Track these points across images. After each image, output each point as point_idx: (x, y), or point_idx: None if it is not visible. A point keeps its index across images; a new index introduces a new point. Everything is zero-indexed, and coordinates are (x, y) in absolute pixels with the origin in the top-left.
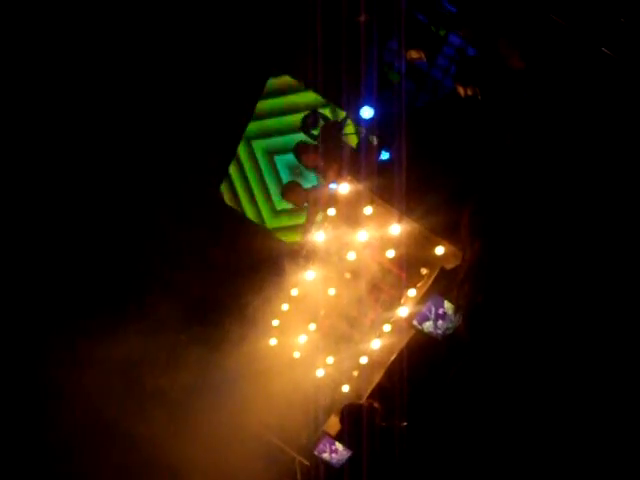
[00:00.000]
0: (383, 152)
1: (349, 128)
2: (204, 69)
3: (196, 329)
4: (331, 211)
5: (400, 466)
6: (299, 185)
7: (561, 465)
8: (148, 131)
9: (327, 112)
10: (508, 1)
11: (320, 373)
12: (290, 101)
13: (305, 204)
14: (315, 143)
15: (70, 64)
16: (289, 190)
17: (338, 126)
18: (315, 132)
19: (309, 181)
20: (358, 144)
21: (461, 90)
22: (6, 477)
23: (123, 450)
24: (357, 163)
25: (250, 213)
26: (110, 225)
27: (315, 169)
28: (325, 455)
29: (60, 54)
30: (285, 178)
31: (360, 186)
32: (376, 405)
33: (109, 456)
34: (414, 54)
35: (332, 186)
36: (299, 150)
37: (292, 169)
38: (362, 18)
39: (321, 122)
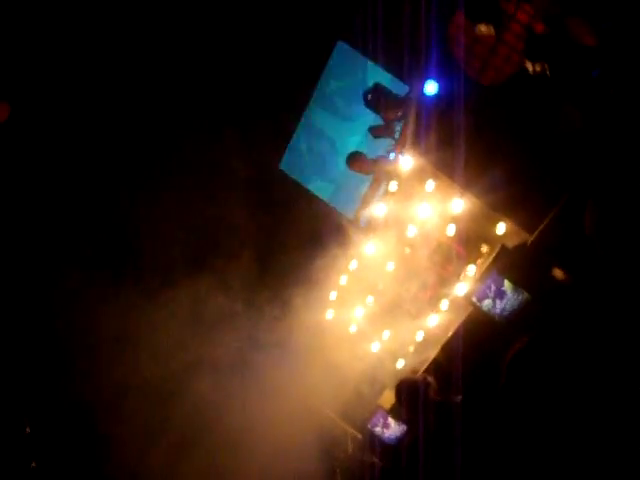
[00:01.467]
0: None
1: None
2: (266, 44)
3: (254, 298)
4: (393, 185)
5: (454, 442)
6: (364, 154)
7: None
8: (209, 106)
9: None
10: None
11: (376, 347)
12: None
13: (371, 173)
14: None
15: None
16: (354, 159)
17: (402, 101)
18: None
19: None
20: (422, 118)
21: (530, 67)
22: (50, 435)
23: (175, 411)
24: (420, 137)
25: (312, 186)
26: (177, 190)
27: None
28: (377, 429)
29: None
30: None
31: (422, 160)
32: (431, 381)
33: (160, 416)
34: (483, 29)
35: (395, 158)
36: (373, 131)
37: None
38: None
39: (384, 96)
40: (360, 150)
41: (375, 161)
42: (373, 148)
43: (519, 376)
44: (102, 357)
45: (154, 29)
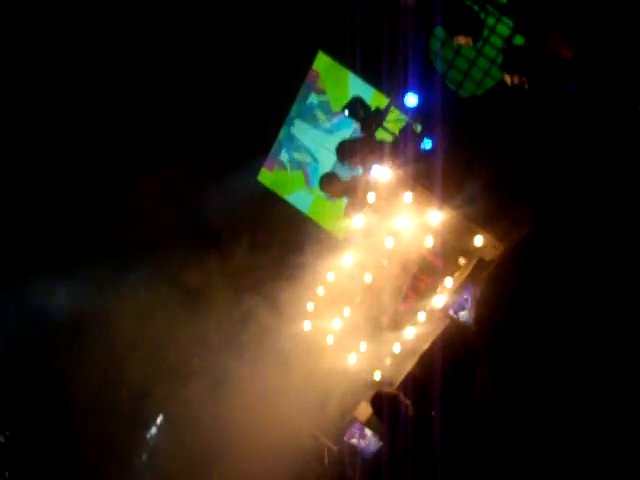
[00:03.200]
0: (426, 140)
1: (392, 115)
2: (247, 52)
3: (231, 311)
4: (371, 197)
5: (429, 455)
6: (336, 176)
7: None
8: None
9: (372, 98)
10: None
11: (353, 359)
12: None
13: (341, 196)
14: (356, 138)
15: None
16: (327, 181)
17: (382, 114)
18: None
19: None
20: (401, 131)
21: (508, 79)
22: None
23: (146, 415)
24: (399, 150)
25: (291, 198)
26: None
27: (359, 164)
28: (354, 441)
29: None
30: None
31: (401, 172)
32: (407, 394)
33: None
34: (462, 40)
35: (373, 173)
36: (340, 151)
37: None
38: (409, 2)
39: (364, 109)
40: (333, 172)
41: (347, 184)
42: None
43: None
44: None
45: None
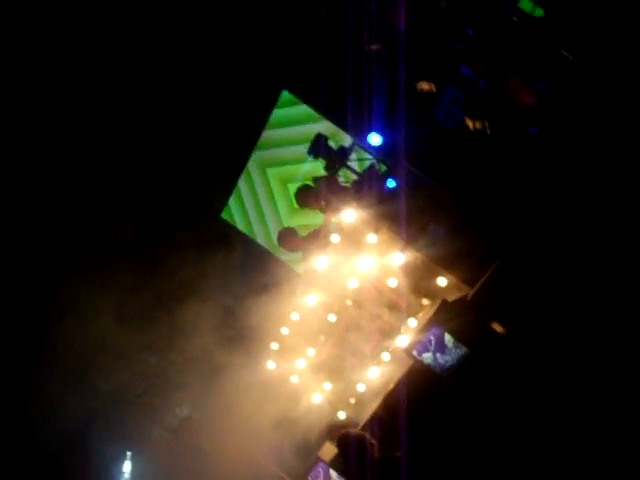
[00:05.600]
0: (389, 180)
1: (357, 154)
2: (209, 90)
3: (194, 351)
4: (335, 238)
5: None
6: (294, 231)
7: None
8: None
9: (336, 137)
10: (521, 38)
11: (317, 398)
12: (300, 128)
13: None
14: (314, 185)
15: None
16: (284, 237)
17: (345, 153)
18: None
19: None
20: (364, 171)
21: (469, 123)
22: None
23: None
24: (362, 190)
25: (257, 236)
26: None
27: (319, 209)
28: None
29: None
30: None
31: (364, 213)
32: (371, 433)
33: None
34: (424, 85)
35: (336, 214)
36: (299, 197)
37: None
38: (373, 47)
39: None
40: (290, 227)
41: (306, 239)
42: None
43: None
44: None
45: None
